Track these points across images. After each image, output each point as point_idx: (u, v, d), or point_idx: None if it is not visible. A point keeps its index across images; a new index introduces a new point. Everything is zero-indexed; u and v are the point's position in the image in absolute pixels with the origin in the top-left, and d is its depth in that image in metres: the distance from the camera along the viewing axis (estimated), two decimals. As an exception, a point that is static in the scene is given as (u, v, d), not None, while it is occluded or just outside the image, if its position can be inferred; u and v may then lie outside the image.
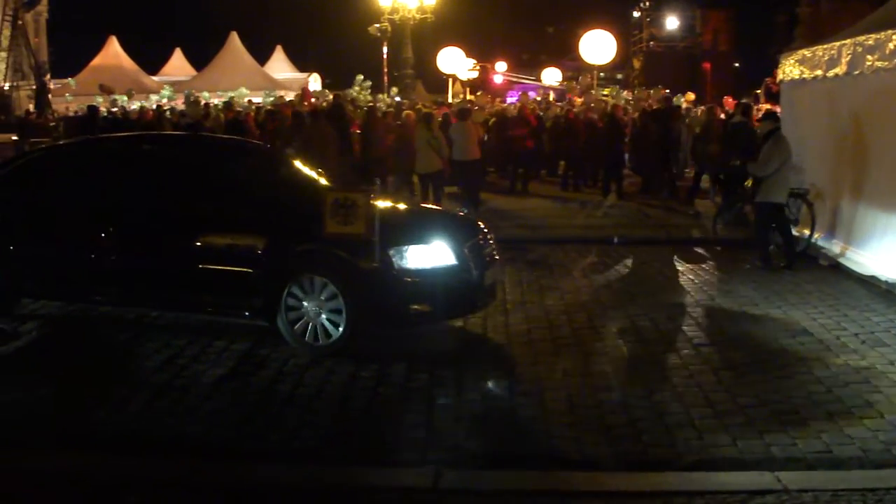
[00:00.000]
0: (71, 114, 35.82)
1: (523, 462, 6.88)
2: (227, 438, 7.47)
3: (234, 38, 50.12)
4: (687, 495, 6.20)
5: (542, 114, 28.27)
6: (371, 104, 29.48)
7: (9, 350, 10.23)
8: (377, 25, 40.83)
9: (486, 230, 10.89)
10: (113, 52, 51.26)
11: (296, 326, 9.70)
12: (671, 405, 7.97)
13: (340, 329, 9.55)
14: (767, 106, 22.70)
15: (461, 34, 51.74)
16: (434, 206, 13.46)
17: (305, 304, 9.64)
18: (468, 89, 44.64)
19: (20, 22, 39.06)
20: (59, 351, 10.30)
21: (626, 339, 10.20)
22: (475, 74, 47.68)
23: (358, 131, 23.76)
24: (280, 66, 55.79)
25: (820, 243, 14.50)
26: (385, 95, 38.69)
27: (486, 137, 24.30)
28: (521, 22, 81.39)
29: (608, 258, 15.32)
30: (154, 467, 6.85)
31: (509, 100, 39.26)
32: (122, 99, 41.25)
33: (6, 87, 43.98)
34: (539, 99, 36.96)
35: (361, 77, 39.09)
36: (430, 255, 9.66)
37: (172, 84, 47.10)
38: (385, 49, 43.53)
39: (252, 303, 9.86)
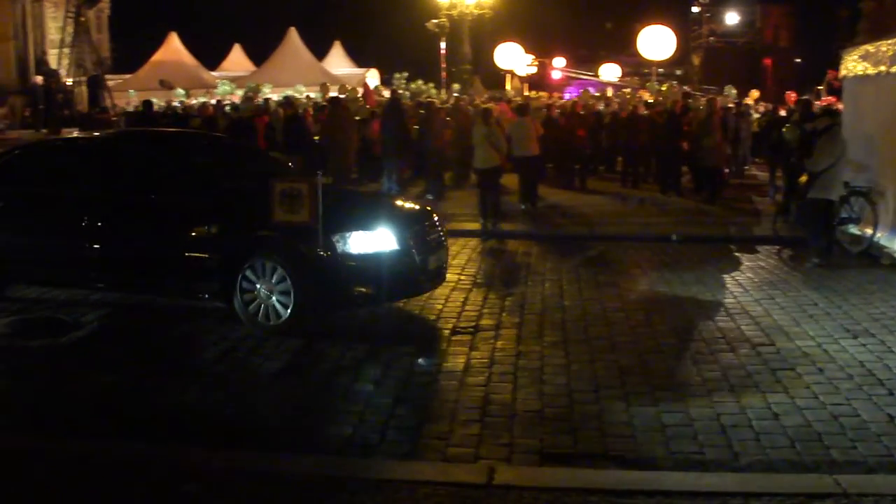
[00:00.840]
0: (130, 109, 36.24)
1: (577, 460, 6.86)
2: (284, 430, 7.53)
3: (293, 33, 50.33)
4: (744, 496, 6.12)
5: (601, 109, 28.17)
6: (430, 99, 29.52)
7: (70, 340, 10.40)
8: (435, 21, 40.87)
9: (434, 217, 11.57)
10: (173, 48, 51.71)
11: (250, 307, 10.35)
12: (728, 405, 7.90)
13: (289, 309, 10.16)
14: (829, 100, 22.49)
15: (519, 30, 51.69)
16: (382, 194, 13.84)
17: (258, 286, 10.30)
18: (526, 85, 44.57)
19: (83, 19, 39.56)
20: (119, 341, 10.44)
21: (683, 337, 10.11)
22: (533, 70, 47.58)
23: (416, 126, 23.81)
24: (338, 62, 55.95)
25: (882, 242, 14.29)
26: (435, 89, 38.76)
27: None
28: (580, 17, 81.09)
29: (666, 256, 15.21)
30: (213, 456, 6.90)
31: (567, 96, 39.12)
32: (180, 94, 41.60)
33: (69, 83, 44.52)
34: (598, 95, 36.80)
35: (398, 75, 39.14)
36: (373, 240, 10.27)
37: (232, 79, 47.41)
38: (443, 45, 43.56)
39: (211, 286, 10.59)
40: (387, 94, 34.59)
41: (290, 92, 37.55)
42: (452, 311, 11.38)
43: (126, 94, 44.81)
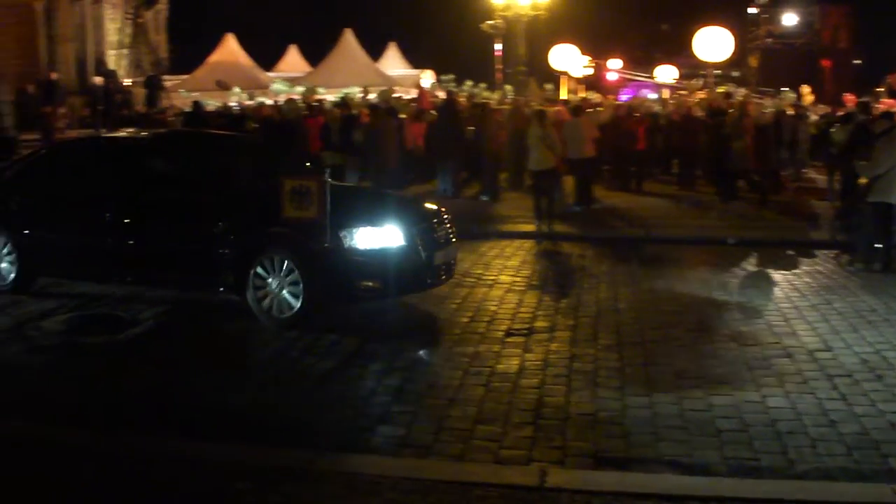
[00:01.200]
0: (187, 109, 36.55)
1: (631, 464, 6.84)
2: (337, 430, 7.57)
3: (349, 34, 50.45)
4: (800, 504, 6.09)
5: (658, 110, 27.99)
6: (485, 100, 29.51)
7: (127, 337, 10.54)
8: (490, 22, 40.85)
9: (443, 214, 11.85)
10: (230, 49, 51.99)
11: (262, 301, 10.74)
12: (784, 411, 7.83)
13: (299, 303, 10.55)
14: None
15: (574, 31, 51.45)
16: (391, 192, 14.23)
17: (269, 280, 10.70)
18: (582, 86, 44.42)
19: (141, 20, 39.99)
20: (175, 339, 10.58)
21: (739, 341, 10.02)
22: (589, 71, 47.42)
23: (471, 127, 23.79)
24: (393, 63, 55.99)
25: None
26: (488, 90, 38.75)
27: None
28: (636, 19, 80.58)
29: (722, 259, 15.10)
30: (267, 455, 6.96)
31: (622, 97, 38.94)
32: (237, 94, 41.88)
33: (127, 84, 44.97)
34: (655, 96, 36.59)
35: (445, 76, 39.12)
36: (379, 236, 10.61)
37: (287, 80, 47.63)
38: (498, 46, 43.52)
39: (226, 280, 10.99)
40: (441, 94, 34.60)
41: (346, 90, 37.70)
42: (507, 313, 11.38)
43: (183, 94, 45.17)
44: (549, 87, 40.15)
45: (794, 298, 12.17)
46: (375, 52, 54.41)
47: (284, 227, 10.62)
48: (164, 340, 10.55)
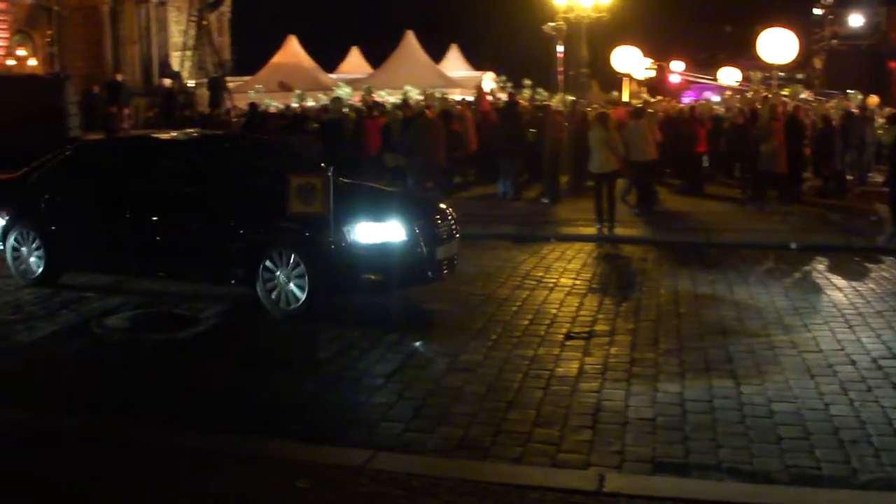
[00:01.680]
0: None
1: (690, 470, 6.79)
2: (396, 430, 7.60)
3: (410, 36, 50.61)
4: (861, 514, 6.02)
5: (721, 113, 27.77)
6: (546, 103, 29.45)
7: (189, 335, 10.66)
8: (552, 24, 40.71)
9: (446, 211, 12.40)
10: (292, 51, 52.37)
11: (272, 294, 11.24)
12: (847, 420, 7.73)
13: (304, 295, 11.06)
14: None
15: (637, 33, 51.23)
16: (394, 189, 14.98)
17: (277, 273, 11.20)
18: (644, 89, 44.18)
19: (205, 22, 40.36)
20: (234, 337, 10.70)
21: (801, 349, 9.90)
22: (651, 74, 47.14)
23: (532, 129, 23.77)
24: (455, 65, 56.08)
25: None
26: (547, 92, 38.64)
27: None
28: (699, 20, 79.99)
29: (784, 264, 14.94)
30: (326, 454, 7.03)
31: (685, 100, 38.67)
32: (297, 96, 42.18)
33: (191, 85, 45.43)
34: (719, 99, 36.30)
35: (497, 78, 39.03)
36: (381, 231, 11.09)
37: (349, 82, 47.85)
38: (560, 48, 43.37)
39: (237, 273, 11.59)
40: (503, 97, 34.58)
41: (407, 88, 37.80)
42: (567, 316, 11.36)
43: (246, 95, 45.55)
44: (615, 94, 39.98)
45: (858, 305, 12.00)
46: (437, 54, 54.51)
47: (290, 221, 11.09)
48: (224, 338, 10.68)
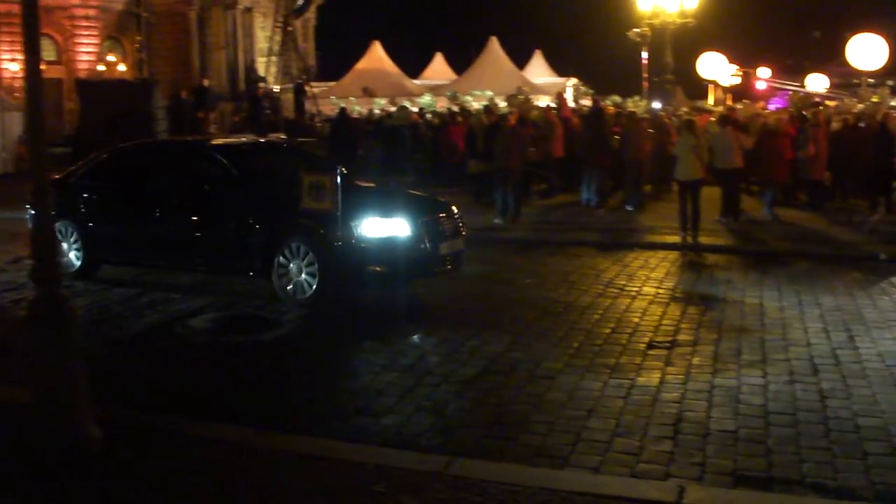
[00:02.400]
0: (334, 115, 37.35)
1: (772, 484, 6.68)
2: (475, 436, 7.61)
3: (494, 42, 50.62)
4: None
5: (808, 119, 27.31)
6: (632, 110, 29.30)
7: (270, 338, 10.78)
8: (637, 30, 40.52)
9: (452, 210, 13.09)
10: (377, 57, 52.67)
11: (288, 286, 12.14)
12: (937, 435, 7.57)
13: (314, 285, 11.94)
14: None
15: (722, 39, 50.70)
16: (402, 188, 16.02)
17: (291, 265, 12.14)
18: (729, 95, 43.72)
19: (290, 28, 40.83)
20: (316, 340, 10.77)
21: (889, 361, 9.70)
22: (737, 80, 46.63)
23: (616, 136, 23.63)
24: (539, 71, 56.00)
25: None
26: (638, 100, 38.42)
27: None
28: (786, 26, 78.88)
29: (873, 275, 14.62)
30: (404, 458, 7.04)
31: (771, 107, 38.14)
32: (380, 102, 42.49)
33: (276, 90, 45.95)
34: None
35: (570, 84, 38.79)
36: (386, 226, 11.92)
37: (432, 88, 48.02)
38: (644, 54, 43.13)
39: (255, 265, 12.47)
40: (586, 103, 34.47)
41: (488, 93, 37.83)
42: (649, 325, 11.27)
43: (329, 100, 45.95)
44: (701, 103, 39.64)
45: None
46: (521, 60, 54.46)
47: (302, 217, 11.96)
48: (304, 341, 10.77)
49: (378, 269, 11.84)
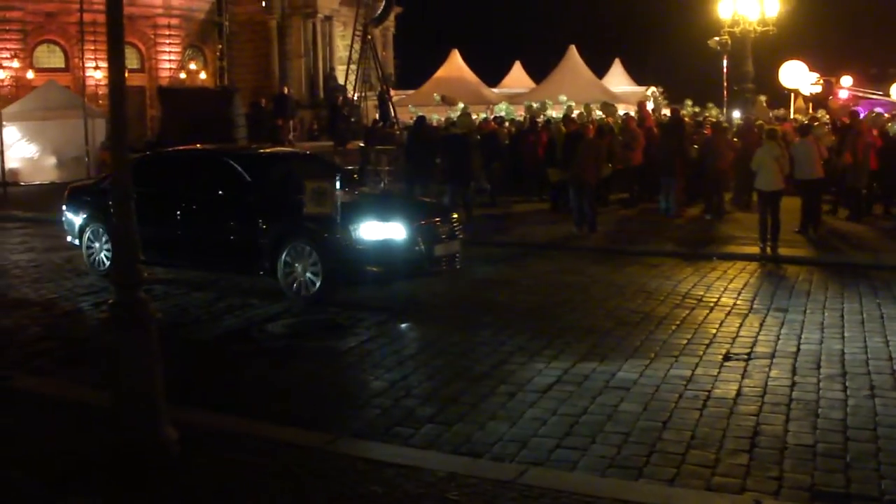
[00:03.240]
0: (411, 123, 37.55)
1: (851, 500, 6.58)
2: (549, 446, 7.60)
3: (573, 51, 50.46)
4: None
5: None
6: (715, 120, 29.05)
7: (344, 344, 10.87)
8: (717, 38, 40.11)
9: (449, 215, 14.24)
10: (455, 65, 52.79)
11: (293, 284, 13.08)
12: None
13: (318, 283, 12.82)
14: None
15: (804, 47, 49.96)
16: (401, 195, 17.54)
17: (296, 265, 13.06)
18: (811, 105, 43.12)
19: (369, 37, 41.04)
20: (392, 348, 10.82)
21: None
22: (818, 89, 45.96)
23: (695, 146, 23.44)
24: (618, 80, 55.76)
25: None
26: (710, 107, 38.12)
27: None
28: (870, 34, 77.63)
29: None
30: (475, 466, 7.06)
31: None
32: (458, 110, 42.68)
33: (356, 98, 46.28)
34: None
35: (648, 92, 38.48)
36: (382, 229, 12.78)
37: (511, 96, 47.99)
38: (724, 62, 42.70)
39: (264, 265, 13.37)
40: (666, 112, 34.22)
41: (570, 102, 37.72)
42: (726, 337, 11.16)
43: (407, 109, 46.19)
44: (781, 111, 39.22)
45: None
46: (600, 69, 54.24)
47: (305, 220, 12.92)
48: (378, 348, 10.82)
49: (375, 269, 12.76)
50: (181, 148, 17.68)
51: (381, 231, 12.78)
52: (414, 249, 12.93)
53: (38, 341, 11.49)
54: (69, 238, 16.03)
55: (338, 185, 12.52)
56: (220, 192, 14.18)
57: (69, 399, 8.76)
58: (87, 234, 15.40)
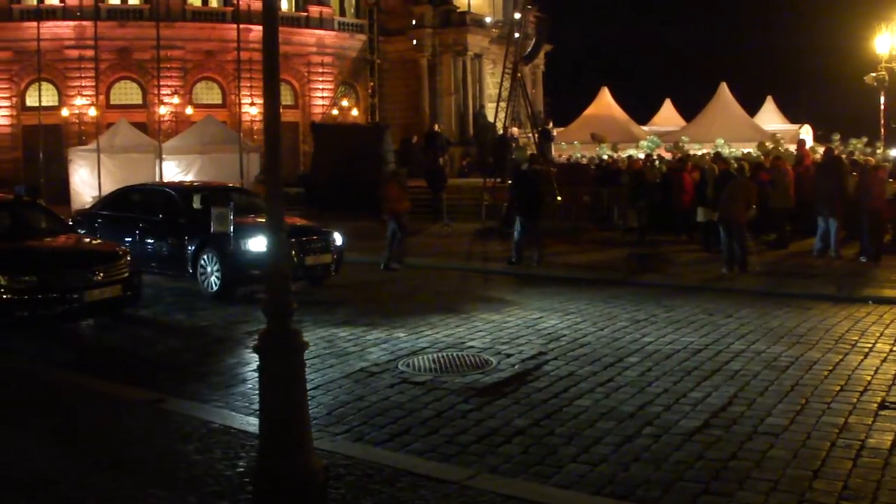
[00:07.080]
0: (563, 160, 37.60)
1: None
2: (695, 491, 7.45)
3: (724, 88, 49.79)
4: None
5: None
6: (870, 159, 28.34)
7: (490, 381, 10.89)
8: (873, 74, 39.14)
9: (326, 235, 18.93)
10: (605, 103, 52.69)
11: (205, 284, 17.83)
12: None
13: (220, 283, 17.57)
14: None
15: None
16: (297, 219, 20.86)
17: (207, 268, 17.82)
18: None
19: (519, 74, 41.17)
20: (533, 386, 10.75)
21: None
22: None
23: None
24: (770, 117, 54.82)
25: None
26: (859, 142, 37.21)
27: None
28: None
29: None
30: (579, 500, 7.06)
31: None
32: (605, 149, 42.60)
33: (516, 135, 46.48)
34: None
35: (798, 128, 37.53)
36: (263, 243, 15.32)
37: (661, 134, 47.61)
38: (882, 99, 41.61)
39: (187, 269, 18.16)
40: (820, 149, 33.50)
41: (721, 142, 37.28)
42: (882, 384, 10.77)
43: (559, 146, 46.21)
44: None
45: None
46: (752, 107, 53.40)
47: (212, 236, 17.37)
48: (524, 386, 10.76)
49: (257, 272, 16.44)
50: (138, 185, 23.43)
51: (262, 244, 16.21)
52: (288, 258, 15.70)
53: (189, 367, 12.04)
54: None
55: (231, 210, 17.06)
56: (161, 216, 19.24)
57: (216, 423, 9.03)
58: None
